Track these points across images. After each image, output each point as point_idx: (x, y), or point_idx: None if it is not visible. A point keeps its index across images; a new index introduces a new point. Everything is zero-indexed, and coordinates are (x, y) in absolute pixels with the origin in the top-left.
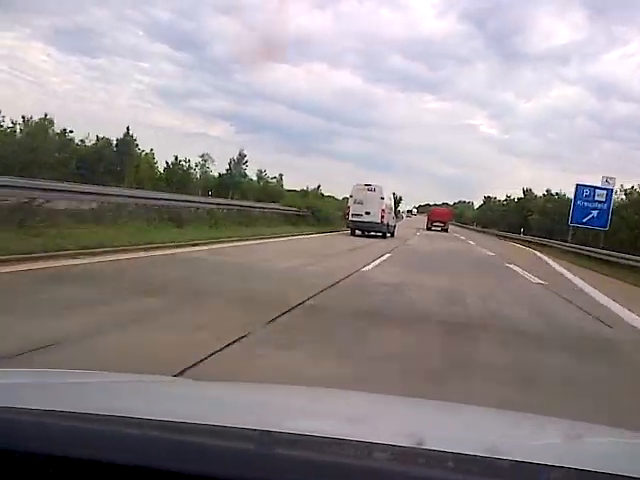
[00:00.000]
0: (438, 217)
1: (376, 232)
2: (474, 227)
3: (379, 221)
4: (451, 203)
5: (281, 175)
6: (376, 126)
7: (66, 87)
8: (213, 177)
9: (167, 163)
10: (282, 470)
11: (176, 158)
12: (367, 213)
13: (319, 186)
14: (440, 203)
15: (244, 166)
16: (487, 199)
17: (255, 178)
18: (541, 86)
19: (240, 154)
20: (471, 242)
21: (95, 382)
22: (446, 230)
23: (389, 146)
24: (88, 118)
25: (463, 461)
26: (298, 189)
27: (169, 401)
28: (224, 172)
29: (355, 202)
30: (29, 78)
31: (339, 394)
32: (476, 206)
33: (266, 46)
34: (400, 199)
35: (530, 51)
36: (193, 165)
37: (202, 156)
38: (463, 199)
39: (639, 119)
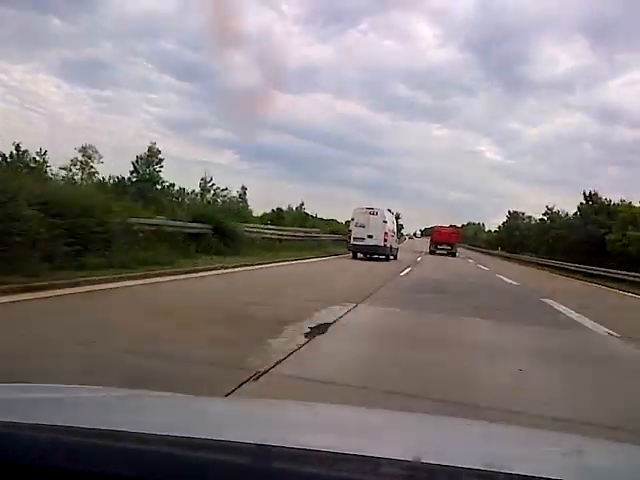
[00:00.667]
0: (443, 239)
1: (379, 255)
2: (498, 252)
3: (382, 244)
4: (459, 225)
5: (244, 189)
6: (382, 154)
7: (75, 118)
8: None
9: None
10: None
11: None
12: (369, 236)
13: (302, 204)
14: (447, 226)
15: (157, 167)
16: (513, 215)
17: (198, 189)
18: (545, 113)
19: (150, 149)
20: (514, 282)
21: (92, 397)
22: (454, 254)
23: (395, 173)
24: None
25: (460, 475)
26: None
27: (166, 416)
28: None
29: (357, 225)
30: (39, 110)
31: (337, 409)
32: (488, 227)
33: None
34: (402, 226)
35: (533, 79)
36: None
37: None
38: (472, 221)
39: None
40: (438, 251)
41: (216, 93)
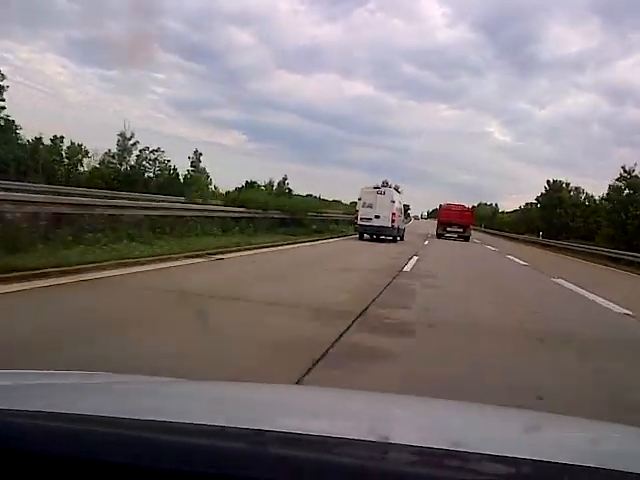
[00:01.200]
0: (453, 219)
1: (386, 236)
2: (538, 239)
3: (389, 225)
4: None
5: (198, 155)
6: (389, 134)
7: (80, 98)
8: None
9: None
10: (275, 469)
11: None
12: (377, 217)
13: (285, 179)
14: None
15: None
16: (553, 186)
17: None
18: (555, 94)
19: (122, 135)
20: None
21: (89, 383)
22: (467, 238)
23: (402, 154)
24: (103, 128)
25: (431, 455)
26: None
27: (162, 402)
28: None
29: (364, 205)
30: (45, 89)
31: (333, 393)
32: (503, 208)
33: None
34: (408, 207)
35: (544, 59)
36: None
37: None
38: (484, 201)
39: None
40: (447, 234)
41: (222, 73)
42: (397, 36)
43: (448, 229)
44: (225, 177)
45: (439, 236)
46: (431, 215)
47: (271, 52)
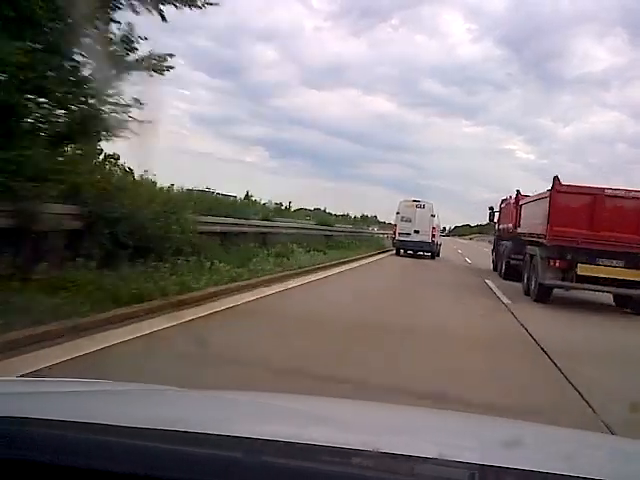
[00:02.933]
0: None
1: (425, 252)
2: None
3: (429, 240)
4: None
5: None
6: (410, 151)
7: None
8: None
9: None
10: (270, 477)
11: None
12: (416, 232)
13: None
14: (473, 225)
15: None
16: None
17: None
18: (580, 111)
19: None
20: None
21: (87, 391)
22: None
23: (423, 170)
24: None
25: (417, 463)
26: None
27: (159, 410)
28: None
29: (403, 220)
30: None
31: (328, 402)
32: None
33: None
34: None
35: (568, 76)
36: None
37: None
38: None
39: None
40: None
41: (246, 90)
42: (420, 52)
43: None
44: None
45: (504, 275)
46: (452, 232)
47: (295, 68)
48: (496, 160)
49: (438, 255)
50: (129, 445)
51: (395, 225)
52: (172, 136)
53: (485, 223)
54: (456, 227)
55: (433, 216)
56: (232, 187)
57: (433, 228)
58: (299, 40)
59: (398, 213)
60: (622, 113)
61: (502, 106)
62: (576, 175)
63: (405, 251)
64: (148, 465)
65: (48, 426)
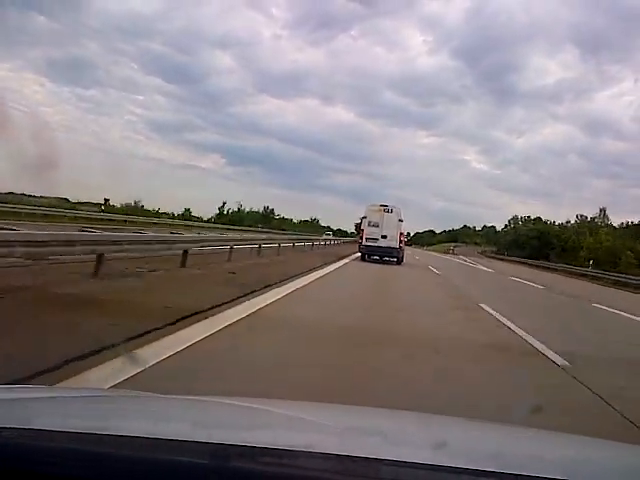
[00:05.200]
0: None
1: (391, 258)
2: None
3: (397, 246)
4: (449, 229)
5: None
6: (369, 161)
7: (58, 118)
8: None
9: None
10: None
11: None
12: (383, 237)
13: (268, 207)
14: (439, 232)
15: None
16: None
17: None
18: (533, 123)
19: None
20: None
21: (48, 397)
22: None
23: (380, 180)
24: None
25: (410, 467)
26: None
27: (124, 416)
28: None
29: (370, 224)
30: (22, 108)
31: (295, 406)
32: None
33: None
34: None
35: (522, 89)
36: None
37: None
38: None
39: (629, 157)
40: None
41: (203, 96)
42: (379, 63)
43: None
44: (204, 200)
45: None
46: (411, 240)
47: (253, 76)
48: (452, 170)
49: (402, 260)
50: (88, 451)
51: (362, 230)
52: (126, 142)
53: (460, 227)
54: (417, 234)
55: (401, 221)
56: (186, 194)
57: (401, 233)
58: (257, 48)
59: (365, 217)
60: (573, 125)
61: (457, 117)
62: (527, 185)
63: (369, 256)
64: (108, 471)
65: (20, 435)
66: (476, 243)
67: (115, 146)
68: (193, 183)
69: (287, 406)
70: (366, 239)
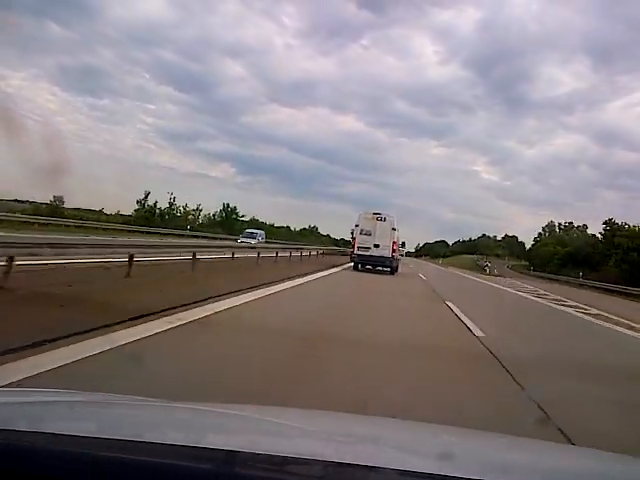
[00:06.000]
0: None
1: (384, 267)
2: None
3: (390, 255)
4: (466, 239)
5: None
6: (379, 170)
7: (70, 127)
8: None
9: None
10: None
11: None
12: (376, 246)
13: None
14: (453, 242)
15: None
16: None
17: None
18: (544, 134)
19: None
20: None
21: (64, 401)
22: None
23: (390, 189)
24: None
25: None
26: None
27: (135, 422)
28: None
29: (362, 233)
30: (35, 117)
31: (304, 414)
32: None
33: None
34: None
35: (534, 99)
36: None
37: None
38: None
39: None
40: None
41: (214, 105)
42: (390, 72)
43: None
44: (212, 209)
45: None
46: (418, 252)
47: (264, 85)
48: (462, 180)
49: (397, 270)
50: (97, 456)
51: (353, 238)
52: (137, 150)
53: (478, 236)
54: (427, 244)
55: (394, 229)
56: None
57: (394, 242)
58: (269, 57)
59: (357, 226)
60: (585, 136)
61: (468, 128)
62: (536, 197)
63: (363, 266)
64: (116, 476)
65: (23, 438)
66: (497, 255)
67: (127, 154)
68: (202, 191)
69: (291, 414)
70: (358, 248)
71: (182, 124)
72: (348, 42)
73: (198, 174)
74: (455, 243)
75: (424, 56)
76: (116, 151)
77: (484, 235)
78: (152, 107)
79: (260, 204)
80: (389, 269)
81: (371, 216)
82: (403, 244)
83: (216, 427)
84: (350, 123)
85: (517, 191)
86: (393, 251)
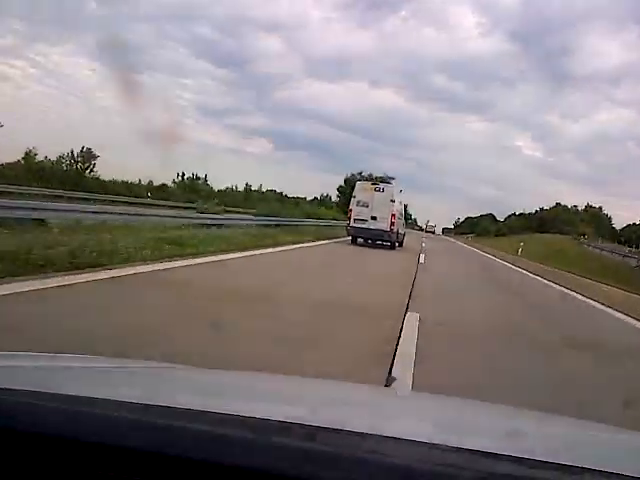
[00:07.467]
0: None
1: (383, 242)
2: None
3: (388, 229)
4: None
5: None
6: (417, 145)
7: (109, 102)
8: None
9: None
10: (278, 458)
11: None
12: (373, 218)
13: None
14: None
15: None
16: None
17: None
18: (589, 108)
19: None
20: None
21: (96, 367)
22: None
23: (429, 166)
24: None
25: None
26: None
27: (168, 387)
28: None
29: (359, 204)
30: (76, 93)
31: (338, 385)
32: None
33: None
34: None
35: (579, 72)
36: None
37: None
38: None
39: None
40: None
41: (251, 80)
42: (429, 45)
43: None
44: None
45: None
46: (455, 229)
47: (301, 60)
48: (503, 157)
49: (401, 245)
50: (129, 419)
51: (350, 210)
52: (178, 127)
53: (551, 206)
54: (468, 219)
55: (393, 201)
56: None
57: (393, 215)
58: (305, 31)
59: (354, 197)
60: (632, 110)
61: (510, 102)
62: (582, 173)
63: (365, 240)
64: (150, 441)
65: (33, 396)
66: (582, 235)
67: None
68: (240, 166)
69: (325, 384)
70: (354, 220)
71: (219, 99)
72: (387, 14)
73: (236, 150)
74: (509, 217)
75: (465, 28)
76: (154, 127)
77: (558, 205)
78: (190, 82)
79: (297, 179)
80: (388, 243)
81: (369, 186)
82: (406, 217)
83: (257, 394)
84: (388, 98)
85: (561, 168)
86: (392, 224)
